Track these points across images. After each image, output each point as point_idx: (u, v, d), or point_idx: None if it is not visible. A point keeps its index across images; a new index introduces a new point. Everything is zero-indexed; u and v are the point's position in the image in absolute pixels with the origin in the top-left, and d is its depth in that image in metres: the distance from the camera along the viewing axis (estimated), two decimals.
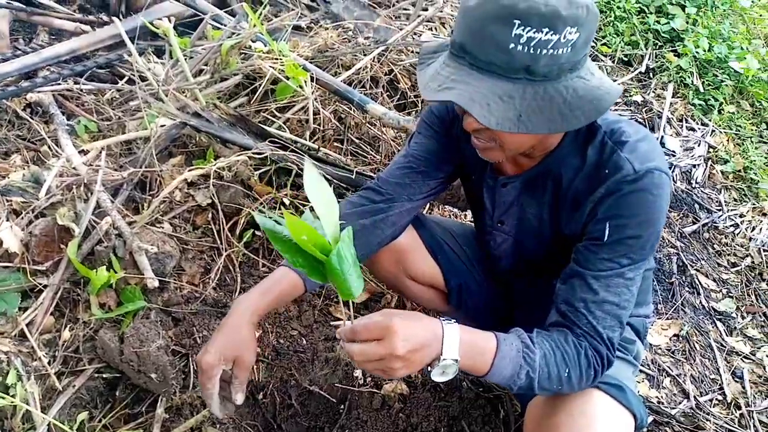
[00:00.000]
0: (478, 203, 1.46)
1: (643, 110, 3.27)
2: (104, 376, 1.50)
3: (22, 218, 1.59)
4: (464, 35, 1.02)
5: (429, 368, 1.07)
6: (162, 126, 1.93)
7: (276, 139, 1.99)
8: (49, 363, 1.45)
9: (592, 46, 3.51)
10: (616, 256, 1.14)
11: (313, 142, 2.18)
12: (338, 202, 1.01)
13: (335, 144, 2.29)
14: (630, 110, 3.29)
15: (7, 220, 1.57)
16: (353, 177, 2.03)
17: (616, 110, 3.23)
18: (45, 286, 1.55)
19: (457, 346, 1.05)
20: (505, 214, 1.38)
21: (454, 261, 1.62)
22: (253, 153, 1.90)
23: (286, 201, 1.95)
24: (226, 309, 1.74)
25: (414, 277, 1.60)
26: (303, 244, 0.93)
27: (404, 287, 1.65)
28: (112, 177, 1.76)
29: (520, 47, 0.96)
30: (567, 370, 1.12)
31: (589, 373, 1.14)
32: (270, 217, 0.98)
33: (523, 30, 0.94)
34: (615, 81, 3.38)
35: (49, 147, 1.88)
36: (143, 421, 1.48)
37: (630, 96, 3.37)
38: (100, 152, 1.84)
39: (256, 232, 1.96)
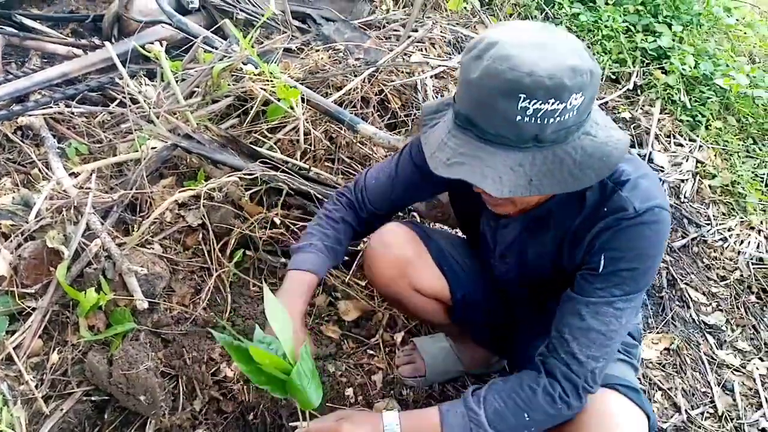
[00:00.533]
0: (480, 236, 1.51)
1: (632, 126, 3.31)
2: (92, 399, 1.49)
3: (11, 241, 1.59)
4: (469, 108, 1.03)
5: None
6: (153, 148, 1.94)
7: (267, 160, 2.01)
8: (36, 387, 1.45)
9: None
10: (608, 286, 1.16)
11: (304, 162, 2.19)
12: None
13: (326, 164, 2.30)
14: (619, 127, 3.32)
15: None
16: None
17: None
18: (33, 309, 1.55)
19: None
20: (507, 250, 1.41)
21: (459, 273, 1.60)
22: (244, 174, 1.92)
23: (277, 221, 1.96)
24: (216, 330, 1.74)
25: (419, 289, 1.57)
26: (266, 367, 1.08)
27: (406, 300, 1.61)
28: (102, 199, 1.77)
29: (527, 119, 0.97)
30: (526, 414, 1.18)
31: (556, 407, 1.18)
32: (231, 334, 1.18)
33: (529, 103, 0.96)
34: (603, 99, 3.43)
35: (40, 170, 1.89)
36: None
37: (618, 113, 3.41)
38: (91, 175, 1.85)
39: (247, 252, 1.96)
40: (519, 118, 0.97)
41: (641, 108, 3.48)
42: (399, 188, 1.49)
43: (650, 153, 3.10)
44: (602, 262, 1.15)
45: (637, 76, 3.65)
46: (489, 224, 1.43)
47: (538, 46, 0.98)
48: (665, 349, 2.23)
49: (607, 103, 3.43)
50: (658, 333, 2.28)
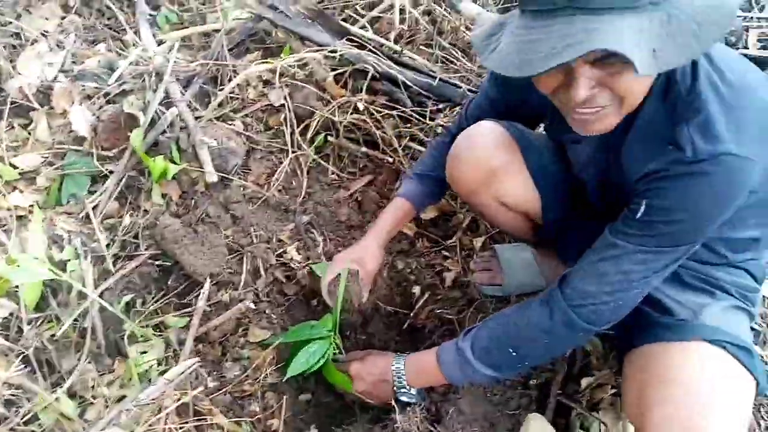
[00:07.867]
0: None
1: None
2: (158, 263, 1.52)
3: (93, 103, 1.61)
4: None
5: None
6: (240, 19, 1.86)
7: (355, 38, 1.85)
8: (108, 246, 1.49)
9: None
10: (642, 234, 1.01)
11: (399, 46, 2.01)
12: None
13: (423, 48, 2.10)
14: None
15: (80, 104, 1.60)
16: (435, 84, 1.86)
17: None
18: (111, 172, 1.59)
19: (404, 376, 1.31)
20: (583, 169, 1.26)
21: (557, 191, 1.37)
22: (329, 51, 1.79)
23: (361, 106, 1.83)
24: (289, 212, 1.70)
25: (506, 203, 1.40)
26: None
27: (487, 211, 1.44)
28: (184, 68, 1.73)
29: None
30: (511, 350, 1.16)
31: (542, 340, 1.13)
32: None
33: None
34: None
35: (133, 36, 1.89)
36: (191, 311, 1.50)
37: None
38: (175, 43, 1.81)
39: (329, 138, 1.87)
40: None
41: None
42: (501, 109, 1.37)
43: None
44: (641, 209, 0.98)
45: None
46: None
47: None
48: None
49: None
50: None
